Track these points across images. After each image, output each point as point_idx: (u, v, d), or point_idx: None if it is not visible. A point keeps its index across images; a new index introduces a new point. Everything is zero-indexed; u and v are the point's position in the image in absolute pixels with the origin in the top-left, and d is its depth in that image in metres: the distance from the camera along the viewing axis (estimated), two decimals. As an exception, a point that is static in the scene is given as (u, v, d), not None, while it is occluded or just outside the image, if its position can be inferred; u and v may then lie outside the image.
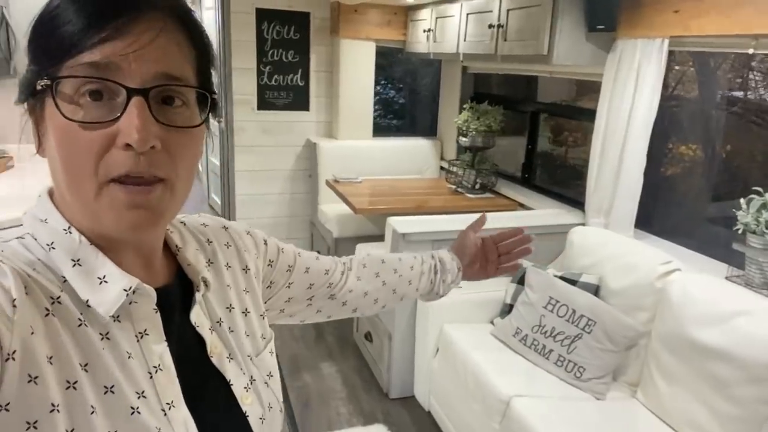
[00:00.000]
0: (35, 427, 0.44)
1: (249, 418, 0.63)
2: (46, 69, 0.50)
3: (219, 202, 4.79)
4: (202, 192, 6.02)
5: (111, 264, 0.53)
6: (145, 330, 0.55)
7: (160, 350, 0.55)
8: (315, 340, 3.12)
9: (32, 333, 0.46)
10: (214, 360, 0.62)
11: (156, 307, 0.56)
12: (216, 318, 0.65)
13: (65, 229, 0.53)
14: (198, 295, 0.62)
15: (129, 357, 0.53)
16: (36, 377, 0.45)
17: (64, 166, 0.50)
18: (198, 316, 0.61)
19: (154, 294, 0.55)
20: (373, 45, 3.86)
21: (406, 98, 4.78)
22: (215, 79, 0.60)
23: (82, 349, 0.50)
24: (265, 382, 0.68)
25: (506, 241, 0.99)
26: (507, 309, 2.40)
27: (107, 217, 0.51)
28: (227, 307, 0.67)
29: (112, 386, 0.50)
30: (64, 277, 0.52)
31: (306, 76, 3.92)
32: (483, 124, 3.33)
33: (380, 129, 4.28)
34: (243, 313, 0.69)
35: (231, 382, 0.62)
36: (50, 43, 0.50)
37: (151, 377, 0.54)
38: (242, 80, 3.76)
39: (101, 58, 0.48)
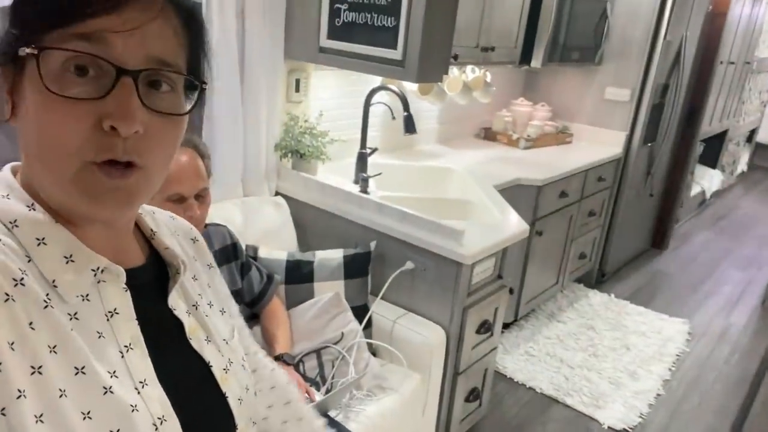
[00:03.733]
0: (3, 414, 0.44)
1: (228, 399, 0.62)
2: (31, 35, 0.48)
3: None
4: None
5: (78, 243, 0.52)
6: (115, 309, 0.54)
7: (131, 329, 0.55)
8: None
9: None
10: (193, 342, 0.61)
11: (126, 287, 0.55)
12: (192, 301, 0.64)
13: (29, 206, 0.51)
14: (178, 278, 0.62)
15: (99, 336, 0.52)
16: None
17: (42, 141, 0.49)
18: (174, 300, 0.61)
19: (123, 273, 0.55)
20: None
21: None
22: (208, 67, 0.58)
23: (50, 331, 0.49)
24: (242, 365, 0.67)
25: None
26: None
27: (82, 198, 0.50)
28: (199, 294, 0.67)
29: (83, 367, 0.49)
30: (28, 257, 0.50)
31: None
32: None
33: None
34: (209, 305, 0.69)
35: (210, 364, 0.62)
36: (39, 8, 0.48)
37: (123, 356, 0.53)
38: None
39: (93, 30, 0.47)
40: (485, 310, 1.86)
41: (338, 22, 1.79)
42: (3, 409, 0.44)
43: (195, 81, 0.55)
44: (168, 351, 0.58)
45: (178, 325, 0.61)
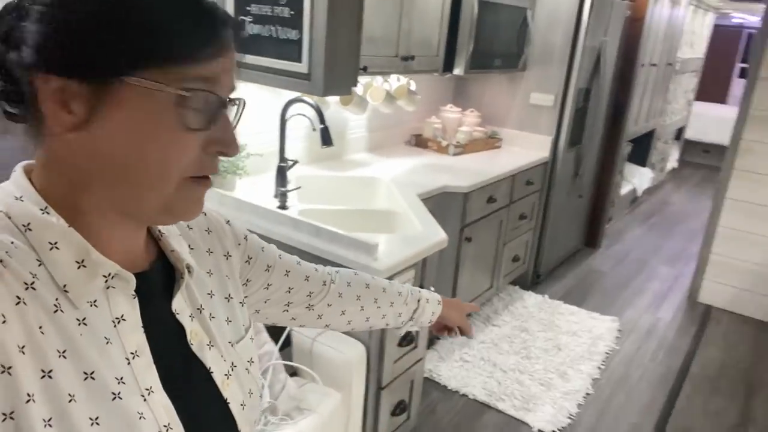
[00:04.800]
0: (12, 418, 0.44)
1: (230, 405, 0.63)
2: (145, 66, 0.48)
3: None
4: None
5: (91, 248, 0.52)
6: (122, 315, 0.54)
7: (137, 336, 0.55)
8: (732, 428, 2.40)
9: (3, 322, 0.45)
10: (194, 347, 0.61)
11: (134, 293, 0.55)
12: (197, 304, 0.63)
13: (42, 210, 0.51)
14: (181, 283, 0.61)
15: (107, 342, 0.52)
16: (9, 368, 0.44)
17: (146, 164, 0.51)
18: (179, 304, 0.61)
19: (133, 280, 0.55)
20: None
21: None
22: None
23: (59, 336, 0.49)
24: (246, 369, 0.67)
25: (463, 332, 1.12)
26: None
27: (181, 208, 0.55)
28: (208, 293, 0.66)
29: (93, 372, 0.50)
30: (40, 261, 0.50)
31: None
32: None
33: None
34: (226, 298, 0.69)
35: (211, 370, 0.62)
36: (162, 45, 0.49)
37: (129, 363, 0.53)
38: (768, 92, 3.06)
39: (213, 73, 0.51)
40: (406, 322, 1.85)
41: (243, 35, 1.74)
42: (12, 412, 0.44)
43: (241, 101, 0.58)
44: (172, 357, 0.59)
45: (182, 329, 0.61)
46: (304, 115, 2.20)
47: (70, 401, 0.47)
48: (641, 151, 5.37)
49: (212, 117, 0.52)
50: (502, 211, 2.95)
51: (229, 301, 0.69)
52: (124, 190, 0.52)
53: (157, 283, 0.60)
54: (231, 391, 0.63)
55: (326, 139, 1.98)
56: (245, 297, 0.75)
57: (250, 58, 1.75)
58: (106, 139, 0.50)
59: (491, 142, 3.27)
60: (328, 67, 1.60)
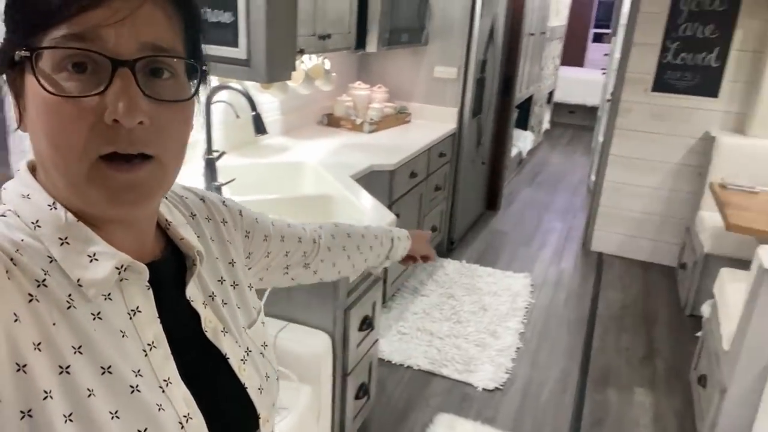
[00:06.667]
0: (30, 416, 0.44)
1: (248, 390, 0.62)
2: (24, 39, 0.47)
3: (592, 185, 4.54)
4: (583, 173, 5.83)
5: (101, 241, 0.52)
6: (138, 307, 0.54)
7: (154, 327, 0.54)
8: (642, 360, 2.72)
9: (16, 320, 0.45)
10: (208, 335, 0.60)
11: (148, 284, 0.55)
12: (209, 292, 0.63)
13: (50, 205, 0.51)
14: (194, 270, 0.61)
15: (123, 336, 0.52)
16: (24, 366, 0.44)
17: (51, 144, 0.48)
18: (192, 291, 0.60)
19: (146, 271, 0.54)
20: (835, 16, 2.88)
21: None
22: (204, 48, 0.57)
23: (74, 332, 0.48)
24: (261, 353, 0.67)
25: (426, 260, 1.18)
26: None
27: (98, 198, 0.49)
28: (218, 280, 0.66)
29: (110, 366, 0.49)
30: (51, 257, 0.50)
31: (723, 57, 3.25)
32: None
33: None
34: (232, 285, 0.68)
35: (227, 356, 0.61)
36: (29, 11, 0.47)
37: (146, 355, 0.53)
38: (640, 57, 3.39)
39: (83, 28, 0.46)
40: (365, 306, 1.84)
41: None
42: (30, 410, 0.44)
43: (195, 64, 0.53)
44: (188, 346, 0.58)
45: (196, 317, 0.60)
46: (225, 102, 2.07)
47: (89, 396, 0.47)
48: (522, 116, 5.74)
49: (93, 79, 0.47)
50: (422, 185, 3.01)
51: (235, 288, 0.69)
52: (56, 181, 0.51)
53: (169, 272, 0.60)
54: (248, 376, 0.63)
55: (260, 126, 1.87)
56: (249, 269, 0.76)
57: (176, 44, 1.60)
58: (30, 129, 0.50)
59: (401, 117, 3.31)
60: (270, 50, 1.51)
